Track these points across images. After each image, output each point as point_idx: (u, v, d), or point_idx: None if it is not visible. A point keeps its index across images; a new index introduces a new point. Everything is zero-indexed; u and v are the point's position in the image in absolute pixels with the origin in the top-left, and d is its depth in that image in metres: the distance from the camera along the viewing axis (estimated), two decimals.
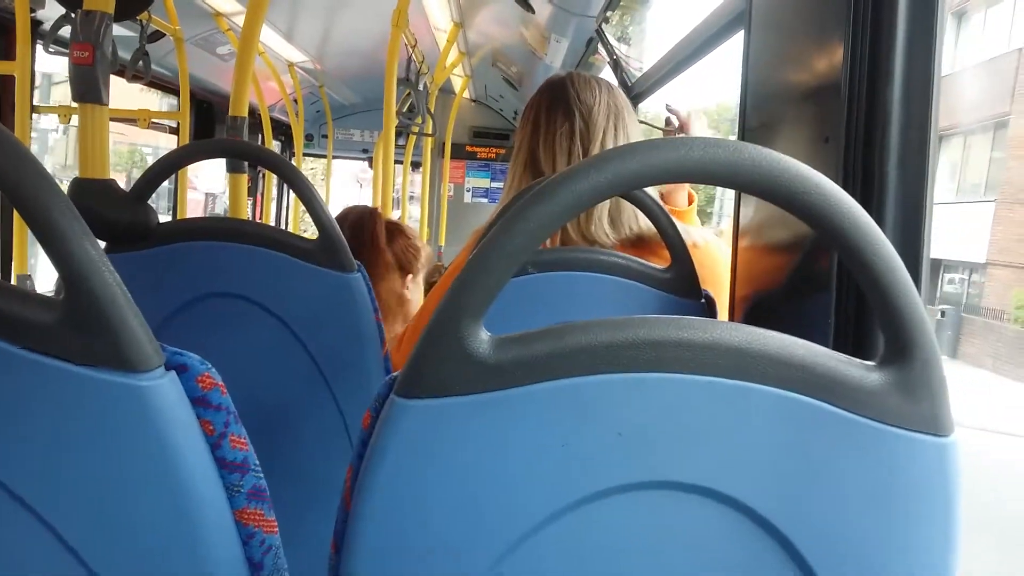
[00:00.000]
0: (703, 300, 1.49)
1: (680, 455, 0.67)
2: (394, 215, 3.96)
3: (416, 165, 7.63)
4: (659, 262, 1.49)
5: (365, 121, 7.67)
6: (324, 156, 7.78)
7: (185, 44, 4.36)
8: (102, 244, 1.50)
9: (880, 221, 1.11)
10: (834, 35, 1.18)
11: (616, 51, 3.08)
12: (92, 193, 1.43)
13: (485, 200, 8.04)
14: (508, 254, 0.65)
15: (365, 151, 7.85)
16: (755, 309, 1.40)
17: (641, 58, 3.17)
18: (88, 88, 1.50)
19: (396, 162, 7.80)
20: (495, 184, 8.09)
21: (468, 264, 0.66)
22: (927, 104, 1.10)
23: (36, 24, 3.48)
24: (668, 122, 2.06)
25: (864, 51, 1.13)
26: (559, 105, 1.65)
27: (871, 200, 1.10)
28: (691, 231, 1.65)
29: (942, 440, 0.68)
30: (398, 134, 5.02)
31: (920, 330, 0.65)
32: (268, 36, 5.26)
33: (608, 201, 1.60)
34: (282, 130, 7.14)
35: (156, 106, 6.28)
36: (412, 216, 8.88)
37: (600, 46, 3.28)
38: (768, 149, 0.66)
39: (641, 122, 2.10)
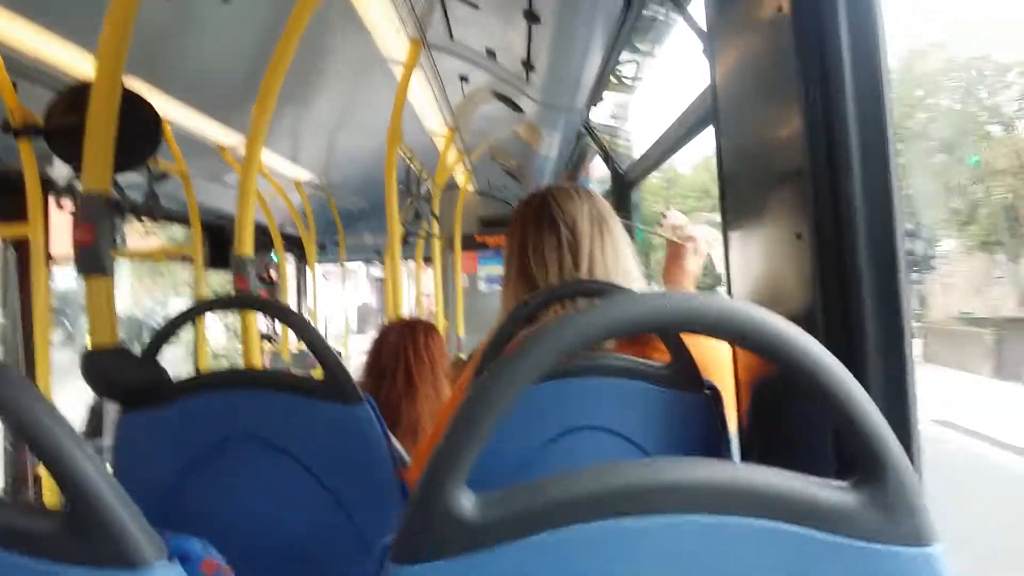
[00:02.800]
0: (707, 392, 1.50)
1: None
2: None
3: (429, 260, 7.77)
4: (662, 355, 1.52)
5: (375, 224, 7.84)
6: (337, 262, 7.92)
7: (193, 180, 4.52)
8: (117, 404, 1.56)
9: (859, 323, 1.13)
10: (793, 131, 1.22)
11: (604, 142, 3.17)
12: (103, 360, 1.50)
13: (499, 286, 8.12)
14: (486, 415, 0.68)
15: (378, 252, 7.99)
16: (759, 399, 1.42)
17: (632, 137, 3.26)
18: (91, 264, 1.59)
19: (407, 257, 7.96)
20: None
21: (449, 427, 0.69)
22: (889, 197, 1.14)
23: (47, 182, 3.64)
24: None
25: (822, 143, 1.17)
26: (543, 219, 1.70)
27: (848, 297, 1.12)
28: None
29: (925, 550, 0.69)
30: (407, 236, 5.14)
31: (888, 452, 0.67)
32: (274, 160, 5.45)
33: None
34: (294, 242, 7.30)
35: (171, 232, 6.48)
36: (431, 310, 8.98)
37: (589, 139, 3.37)
38: (716, 298, 0.69)
39: (652, 233, 2.15)
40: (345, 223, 7.51)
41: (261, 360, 2.44)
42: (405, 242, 4.87)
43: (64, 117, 3.01)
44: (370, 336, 2.73)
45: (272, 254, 6.77)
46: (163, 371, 1.52)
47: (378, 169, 3.62)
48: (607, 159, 3.21)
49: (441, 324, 7.23)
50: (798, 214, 1.22)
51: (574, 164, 4.54)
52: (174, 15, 3.14)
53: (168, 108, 3.96)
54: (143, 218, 4.37)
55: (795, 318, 1.29)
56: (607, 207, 1.74)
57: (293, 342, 8.26)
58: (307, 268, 7.20)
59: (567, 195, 1.73)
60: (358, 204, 7.12)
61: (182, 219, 4.96)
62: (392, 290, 3.57)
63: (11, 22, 2.78)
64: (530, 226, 1.72)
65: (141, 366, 1.49)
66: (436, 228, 5.61)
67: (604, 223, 1.72)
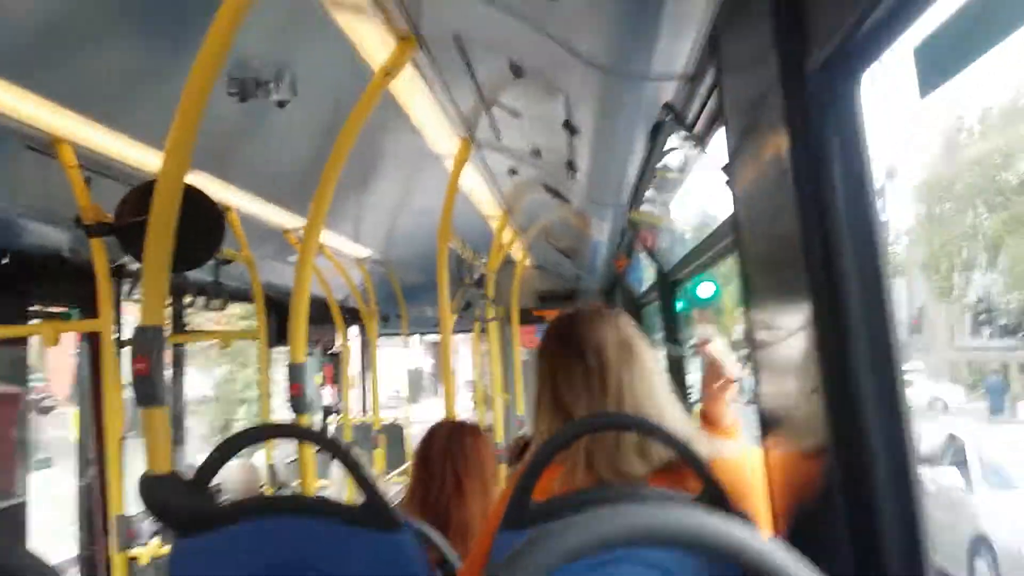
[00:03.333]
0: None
1: None
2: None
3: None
4: (697, 485, 1.53)
5: (435, 296, 7.96)
6: (399, 334, 8.06)
7: (259, 262, 4.71)
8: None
9: (868, 463, 1.15)
10: (803, 303, 1.26)
11: (646, 241, 3.22)
12: (158, 486, 1.59)
13: None
14: None
15: (436, 325, 8.10)
16: (796, 521, 1.42)
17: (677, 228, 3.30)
18: (147, 394, 1.69)
19: (459, 331, 8.04)
20: None
21: None
22: (891, 361, 1.16)
23: (119, 271, 3.84)
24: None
25: (825, 312, 1.21)
26: (570, 349, 1.72)
27: (863, 456, 1.13)
28: (724, 446, 1.67)
29: None
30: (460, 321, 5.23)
31: None
32: (336, 240, 5.65)
33: (634, 434, 1.63)
34: (356, 316, 7.48)
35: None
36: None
37: (634, 236, 3.43)
38: (696, 513, 0.71)
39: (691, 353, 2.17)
40: (408, 296, 7.68)
41: (315, 477, 2.51)
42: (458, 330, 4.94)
43: (133, 214, 3.20)
44: (422, 403, 2.78)
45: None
46: (212, 496, 1.60)
47: (435, 247, 3.73)
48: (651, 256, 3.25)
49: (501, 400, 7.27)
50: (811, 369, 1.25)
51: (626, 249, 4.59)
52: (243, 112, 3.34)
53: (234, 198, 4.17)
54: (209, 302, 4.59)
55: (807, 456, 1.32)
56: (634, 331, 1.74)
57: (356, 411, 8.39)
58: (369, 341, 7.34)
59: (591, 322, 1.74)
60: (418, 279, 7.29)
61: (246, 299, 5.16)
62: (446, 382, 3.64)
63: (85, 123, 2.98)
64: (557, 354, 1.73)
65: (192, 492, 1.58)
66: (490, 312, 5.70)
67: (631, 349, 1.71)
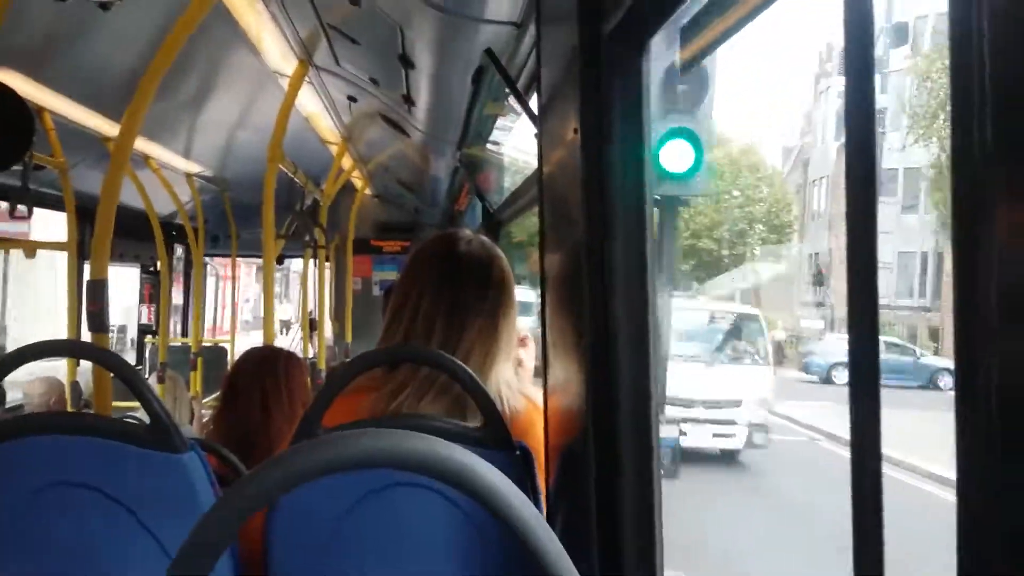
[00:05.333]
0: (517, 452, 1.63)
1: None
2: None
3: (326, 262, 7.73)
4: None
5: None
6: (229, 255, 7.83)
7: (74, 170, 4.45)
8: None
9: (616, 403, 1.29)
10: (578, 257, 1.37)
11: (475, 183, 3.30)
12: None
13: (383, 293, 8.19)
14: (218, 539, 0.75)
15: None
16: (565, 464, 1.56)
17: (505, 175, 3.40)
18: None
19: (292, 256, 7.89)
20: None
21: (188, 542, 0.77)
22: (645, 308, 1.30)
23: None
24: None
25: (595, 268, 1.33)
26: (468, 276, 1.77)
27: (612, 401, 1.27)
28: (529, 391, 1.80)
29: None
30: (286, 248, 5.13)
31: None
32: (162, 153, 5.39)
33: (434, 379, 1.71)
34: (183, 234, 7.20)
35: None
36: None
37: (465, 173, 3.50)
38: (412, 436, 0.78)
39: None
40: (240, 218, 7.45)
41: (109, 399, 2.45)
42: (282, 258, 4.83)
43: None
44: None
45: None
46: None
47: None
48: (480, 197, 3.34)
49: (328, 327, 7.23)
50: (582, 315, 1.37)
51: (457, 191, 4.67)
52: (63, 11, 3.13)
53: (50, 100, 3.91)
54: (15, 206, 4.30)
55: (571, 398, 1.46)
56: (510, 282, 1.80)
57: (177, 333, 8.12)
58: (193, 260, 7.10)
59: (493, 254, 1.79)
60: (252, 201, 7.08)
61: (58, 207, 4.86)
62: (267, 307, 3.62)
63: None
64: (430, 281, 1.75)
65: None
66: (321, 239, 5.64)
67: (512, 292, 1.78)
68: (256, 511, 0.72)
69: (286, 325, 18.20)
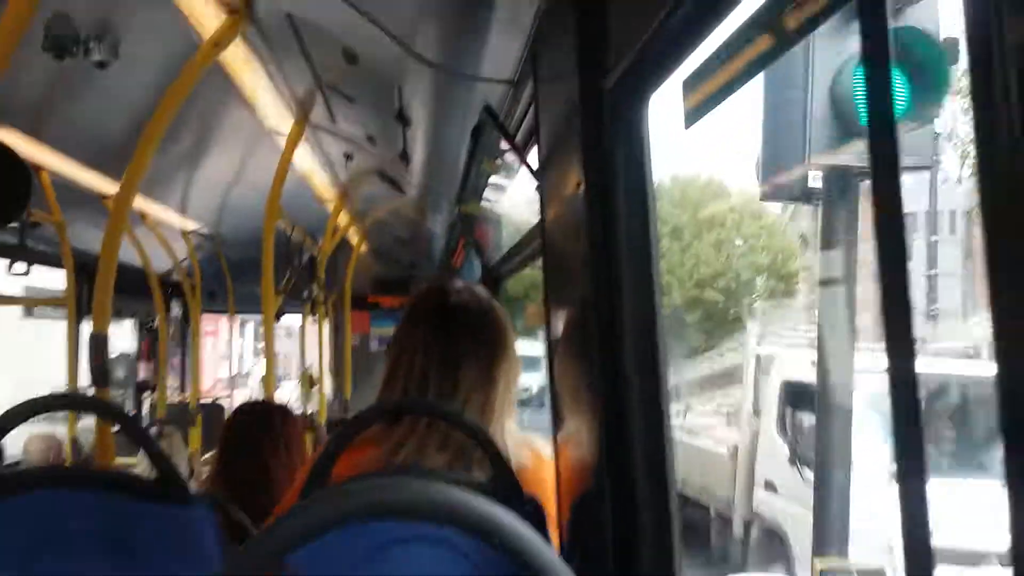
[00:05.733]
0: (527, 507, 1.58)
1: None
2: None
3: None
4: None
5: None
6: (225, 312, 7.81)
7: (72, 227, 4.45)
8: None
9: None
10: (587, 308, 1.36)
11: (473, 238, 3.30)
12: None
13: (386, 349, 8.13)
14: None
15: None
16: (578, 516, 1.52)
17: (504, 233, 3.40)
18: None
19: (290, 312, 7.87)
20: None
21: None
22: (656, 361, 1.27)
23: None
24: None
25: (604, 317, 1.31)
26: (462, 327, 1.71)
27: (627, 448, 1.24)
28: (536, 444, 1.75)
29: None
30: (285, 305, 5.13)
31: None
32: (159, 210, 5.41)
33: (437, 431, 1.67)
34: (179, 290, 7.19)
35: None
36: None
37: (462, 228, 3.50)
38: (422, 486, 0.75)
39: None
40: (237, 275, 7.44)
41: (112, 453, 2.41)
42: (282, 312, 4.83)
43: None
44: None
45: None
46: None
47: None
48: (479, 252, 3.34)
49: (328, 384, 7.17)
50: (591, 364, 1.35)
51: (454, 246, 4.67)
52: (61, 71, 3.15)
53: (48, 158, 3.93)
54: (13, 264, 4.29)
55: (585, 447, 1.42)
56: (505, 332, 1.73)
57: (173, 390, 8.05)
58: (191, 317, 7.08)
59: (490, 305, 1.73)
60: (248, 257, 7.09)
61: (57, 264, 4.86)
62: (267, 363, 3.59)
63: None
64: (422, 333, 1.71)
65: None
66: (320, 295, 5.63)
67: (511, 344, 1.71)
68: (277, 562, 0.68)
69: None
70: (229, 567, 0.67)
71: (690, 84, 1.06)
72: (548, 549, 0.68)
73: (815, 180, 4.07)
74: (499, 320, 1.74)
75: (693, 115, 1.07)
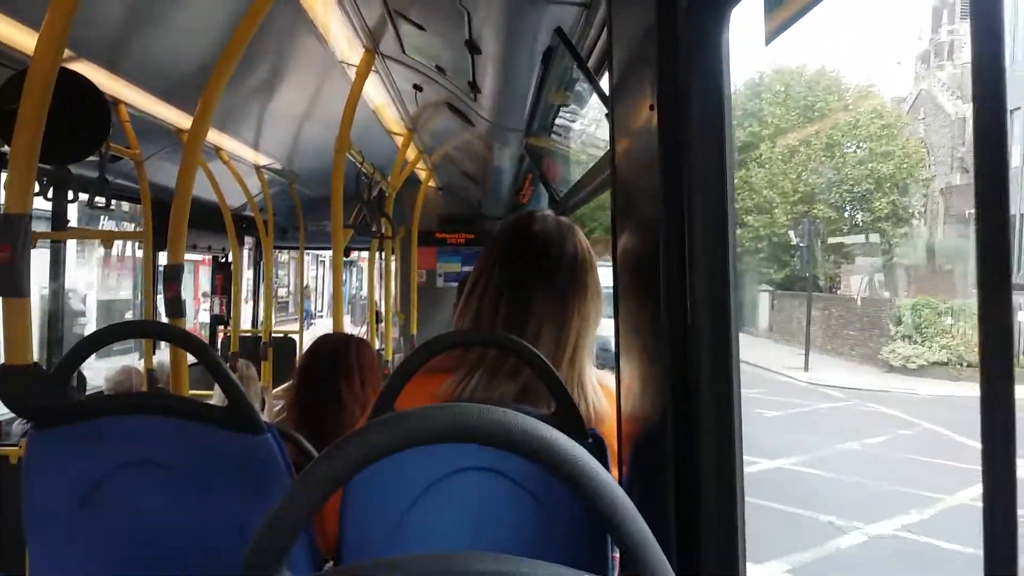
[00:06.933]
0: (590, 440, 1.59)
1: None
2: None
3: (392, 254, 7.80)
4: None
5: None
6: (297, 248, 7.95)
7: (148, 161, 4.55)
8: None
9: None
10: (656, 235, 1.32)
11: (541, 172, 3.26)
12: (15, 378, 1.56)
13: (457, 284, 8.20)
14: (298, 513, 0.74)
15: None
16: (639, 452, 1.52)
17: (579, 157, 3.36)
18: (9, 283, 1.65)
19: (359, 248, 7.96)
20: (467, 268, 8.27)
21: (267, 521, 0.75)
22: (726, 295, 1.24)
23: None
24: None
25: (672, 248, 1.28)
26: (544, 258, 1.70)
27: (690, 381, 1.22)
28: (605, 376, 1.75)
29: None
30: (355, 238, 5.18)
31: (647, 555, 0.75)
32: (233, 145, 5.49)
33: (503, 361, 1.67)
34: (252, 225, 7.34)
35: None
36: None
37: (531, 162, 3.46)
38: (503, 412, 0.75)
39: None
40: (309, 210, 7.56)
41: (187, 384, 2.49)
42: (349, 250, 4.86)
43: (10, 101, 3.04)
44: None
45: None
46: (73, 391, 1.59)
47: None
48: (546, 185, 3.30)
49: (398, 319, 7.29)
50: (658, 294, 1.33)
51: (521, 182, 4.64)
52: (137, 5, 3.19)
53: (126, 91, 4.00)
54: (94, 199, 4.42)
55: (648, 383, 1.41)
56: (586, 264, 1.72)
57: (246, 322, 8.28)
58: (264, 252, 7.22)
59: (568, 233, 1.71)
60: (320, 193, 7.17)
61: (136, 199, 4.99)
62: (336, 297, 3.64)
63: None
64: (499, 260, 1.69)
65: (52, 386, 1.56)
66: (388, 229, 5.67)
67: (593, 270, 1.70)
68: (335, 490, 0.70)
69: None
70: (293, 488, 0.69)
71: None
72: (604, 475, 0.67)
73: None
74: (579, 251, 1.71)
75: (776, 30, 1.02)
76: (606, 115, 1.72)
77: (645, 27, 1.37)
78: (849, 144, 26.93)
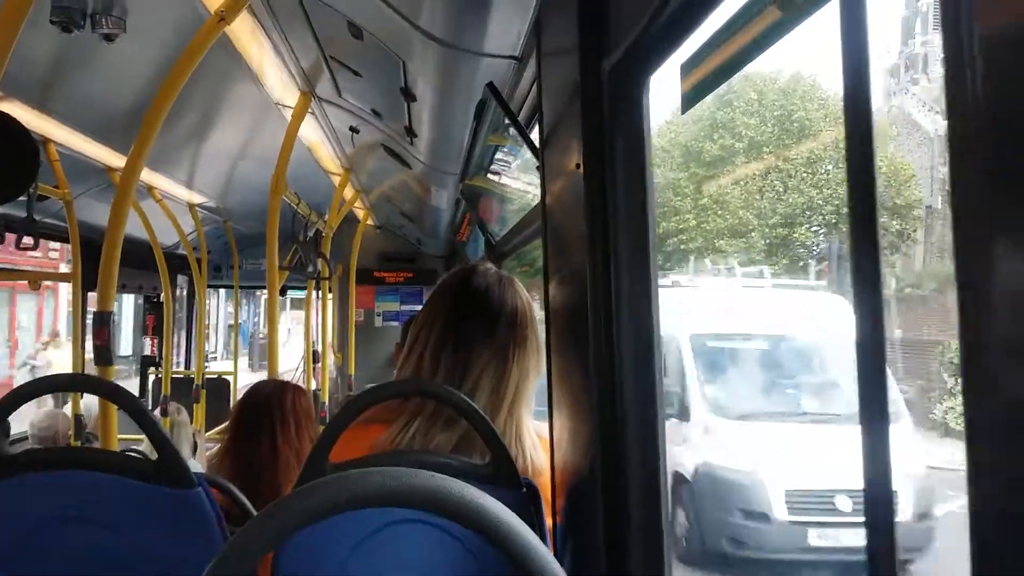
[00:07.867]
0: (524, 489, 1.60)
1: None
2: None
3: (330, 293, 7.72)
4: None
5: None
6: (230, 286, 7.84)
7: (78, 200, 4.47)
8: None
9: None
10: (583, 290, 1.36)
11: (478, 214, 3.30)
12: None
13: (396, 323, 8.16)
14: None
15: None
16: (573, 500, 1.54)
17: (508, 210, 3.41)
18: None
19: (295, 288, 7.88)
20: (405, 307, 8.25)
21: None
22: (651, 346, 1.29)
23: None
24: None
25: (599, 301, 1.32)
26: (480, 311, 1.71)
27: (618, 431, 1.26)
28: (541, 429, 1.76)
29: None
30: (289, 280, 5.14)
31: None
32: (166, 184, 5.42)
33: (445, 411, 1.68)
34: (187, 264, 7.22)
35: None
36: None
37: (467, 206, 3.50)
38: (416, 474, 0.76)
39: None
40: (244, 249, 7.47)
41: (115, 432, 2.44)
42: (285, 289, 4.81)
43: None
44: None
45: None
46: (3, 442, 1.55)
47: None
48: (483, 229, 3.35)
49: (331, 359, 7.21)
50: (586, 348, 1.36)
51: (460, 222, 4.68)
52: (69, 43, 3.15)
53: (55, 131, 3.94)
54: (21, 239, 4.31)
55: (579, 431, 1.44)
56: (526, 319, 1.72)
57: (179, 367, 8.10)
58: (196, 291, 7.10)
59: (507, 285, 1.72)
60: (255, 231, 7.11)
61: (64, 239, 4.88)
62: (270, 337, 3.61)
63: None
64: (463, 312, 1.70)
65: None
66: (324, 270, 5.65)
67: (533, 324, 1.71)
68: (269, 551, 0.71)
69: None
70: (227, 549, 0.69)
71: (688, 67, 1.07)
72: (529, 533, 0.70)
73: None
74: (519, 306, 1.73)
75: (691, 98, 1.07)
76: (537, 167, 1.77)
77: (571, 86, 1.42)
78: (832, 157, 24.64)
